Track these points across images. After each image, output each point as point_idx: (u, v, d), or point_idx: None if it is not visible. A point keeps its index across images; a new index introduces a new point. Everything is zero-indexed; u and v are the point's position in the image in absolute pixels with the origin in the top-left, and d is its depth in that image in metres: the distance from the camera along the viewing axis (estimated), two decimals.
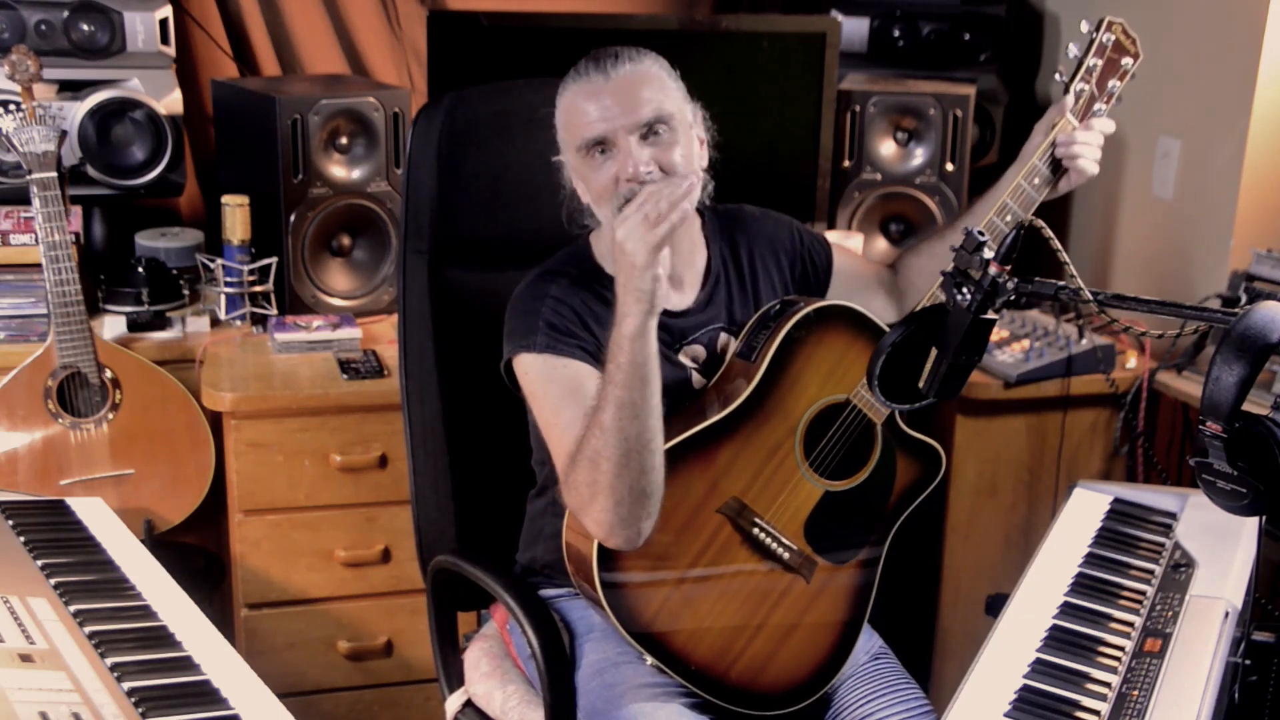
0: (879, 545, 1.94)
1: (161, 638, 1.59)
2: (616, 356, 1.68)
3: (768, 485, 1.84)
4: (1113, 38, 1.83)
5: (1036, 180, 1.87)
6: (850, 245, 2.90)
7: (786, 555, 1.85)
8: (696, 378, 1.92)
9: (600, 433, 1.68)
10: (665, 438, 1.79)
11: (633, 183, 1.77)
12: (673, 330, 1.91)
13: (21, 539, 1.80)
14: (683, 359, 1.92)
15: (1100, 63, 1.83)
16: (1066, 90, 1.85)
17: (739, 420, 1.83)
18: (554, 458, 1.81)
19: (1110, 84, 1.85)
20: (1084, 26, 1.85)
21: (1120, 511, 1.94)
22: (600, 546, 1.76)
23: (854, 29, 3.19)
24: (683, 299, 1.94)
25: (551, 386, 1.80)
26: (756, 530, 1.84)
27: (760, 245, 2.01)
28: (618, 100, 1.78)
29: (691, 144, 1.85)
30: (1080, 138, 1.85)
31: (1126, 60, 1.84)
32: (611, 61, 1.80)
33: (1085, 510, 1.95)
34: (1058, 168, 1.88)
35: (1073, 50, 1.85)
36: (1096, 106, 1.86)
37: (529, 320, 1.83)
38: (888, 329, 1.89)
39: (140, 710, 1.40)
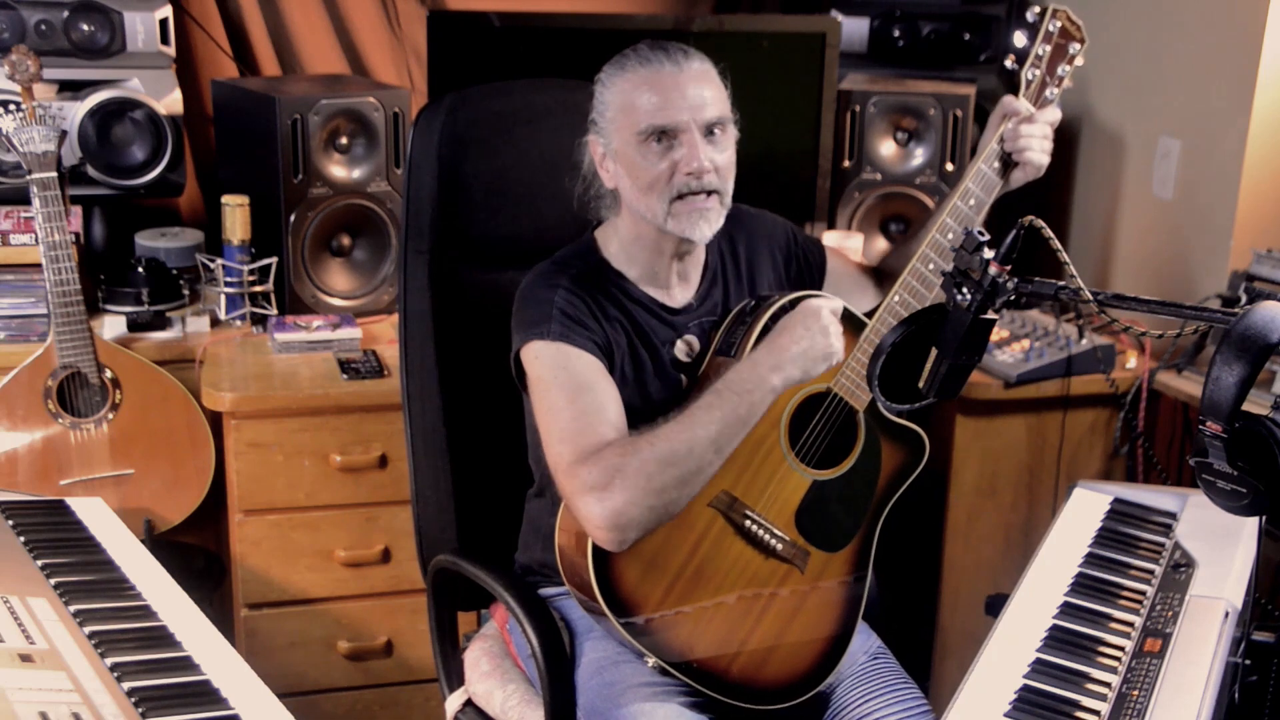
0: (870, 532, 1.95)
1: (161, 638, 1.59)
2: (750, 394, 1.76)
3: (756, 477, 1.85)
4: (1059, 24, 1.86)
5: (996, 164, 1.90)
6: (850, 245, 2.90)
7: (779, 546, 1.86)
8: (684, 380, 1.93)
9: (685, 442, 1.72)
10: None
11: (693, 177, 1.80)
12: (675, 326, 1.92)
13: (21, 539, 1.80)
14: (678, 350, 1.93)
15: (1049, 49, 1.86)
16: (1017, 77, 1.87)
17: None
18: (556, 442, 1.79)
19: (1060, 69, 1.88)
20: (1029, 16, 1.87)
21: (1120, 511, 1.94)
22: (595, 549, 1.76)
23: (854, 29, 3.19)
24: (684, 295, 1.95)
25: (564, 375, 1.80)
26: (748, 522, 1.84)
27: (757, 243, 2.03)
28: (690, 92, 1.80)
29: (733, 152, 1.87)
30: (1025, 130, 1.87)
31: (1074, 45, 1.88)
32: (682, 54, 1.82)
33: (1085, 510, 1.95)
34: (1010, 159, 1.90)
35: (1020, 40, 1.88)
36: (1048, 91, 1.89)
37: (542, 309, 1.84)
38: (863, 318, 1.91)
39: (140, 710, 1.40)
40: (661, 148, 1.81)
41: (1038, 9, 1.87)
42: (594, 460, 1.73)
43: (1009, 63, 1.89)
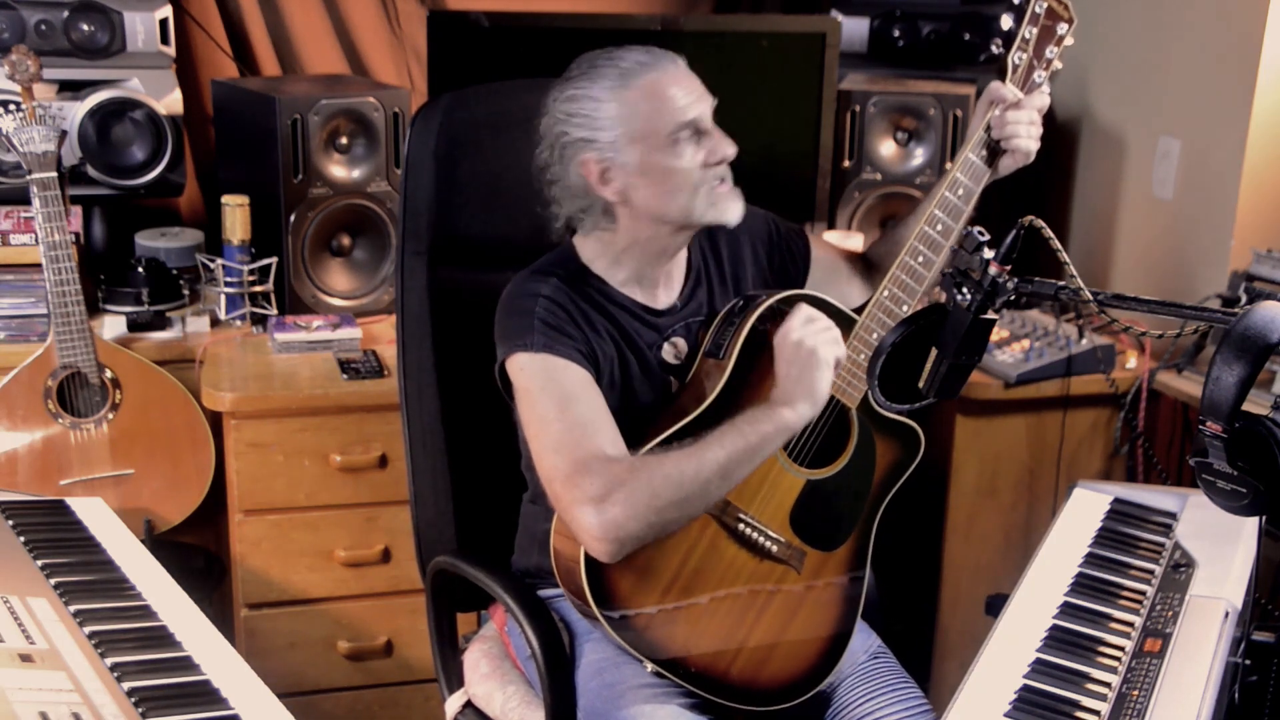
0: (867, 529, 1.95)
1: (161, 638, 1.59)
2: (760, 425, 1.75)
3: (749, 480, 1.83)
4: (1045, 5, 1.82)
5: (984, 152, 1.87)
6: (850, 245, 2.89)
7: (774, 548, 1.85)
8: (674, 382, 1.92)
9: (693, 464, 1.72)
10: (644, 440, 1.80)
11: (723, 164, 1.83)
12: (660, 328, 1.92)
13: (21, 539, 1.80)
14: (665, 353, 1.92)
15: (1036, 31, 1.83)
16: (1004, 62, 1.85)
17: (713, 417, 1.82)
18: (549, 453, 1.77)
19: (1048, 51, 1.84)
20: None
21: (1120, 511, 1.94)
22: (588, 558, 1.75)
23: (854, 29, 3.19)
24: (668, 296, 1.94)
25: (552, 386, 1.80)
26: (742, 525, 1.84)
27: (739, 239, 2.02)
28: (697, 85, 1.83)
29: None
30: (1012, 117, 1.84)
31: (1061, 26, 1.84)
32: (670, 54, 1.84)
33: (1085, 510, 1.95)
34: (998, 147, 1.87)
35: (1007, 23, 1.85)
36: (1036, 75, 1.85)
37: (523, 320, 1.83)
38: (852, 314, 1.90)
39: (140, 710, 1.40)
40: (692, 143, 1.82)
41: None
42: (596, 472, 1.72)
43: (995, 47, 1.87)
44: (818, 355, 1.76)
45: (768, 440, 1.76)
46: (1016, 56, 1.84)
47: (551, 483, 1.76)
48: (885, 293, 1.86)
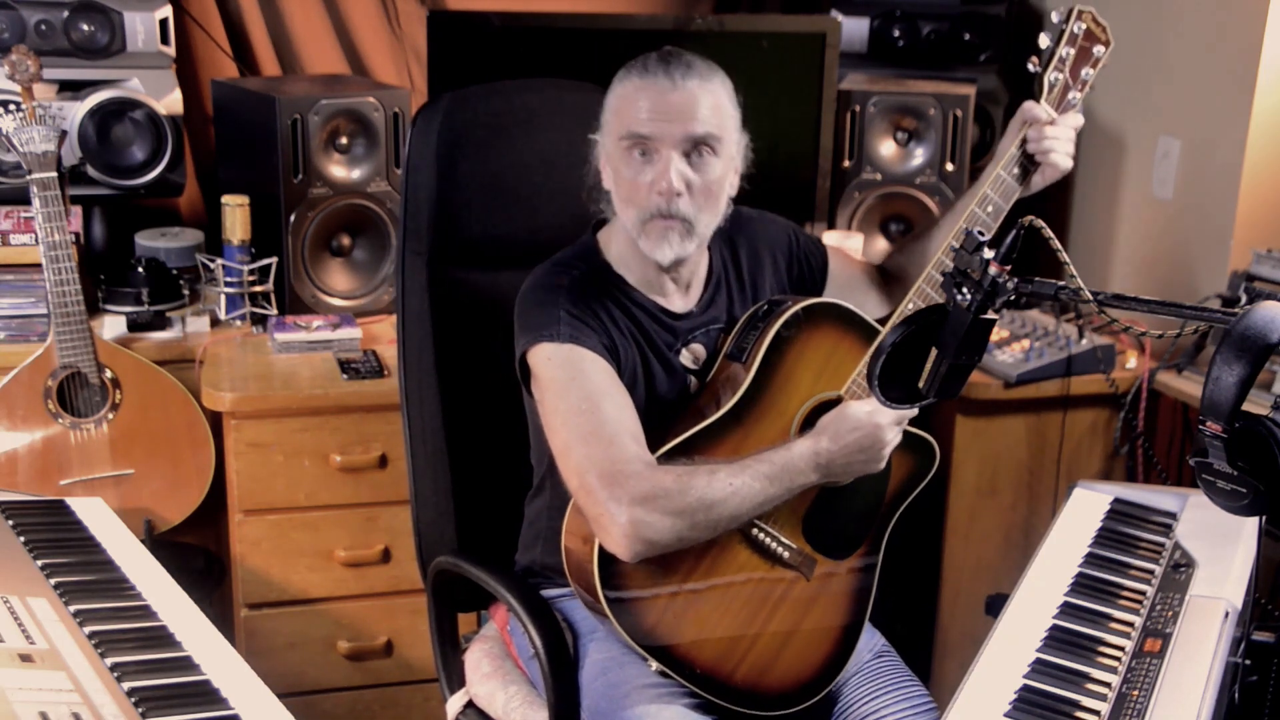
0: (877, 540, 1.95)
1: (161, 638, 1.59)
2: (804, 478, 1.79)
3: None
4: (1084, 26, 1.83)
5: (1016, 170, 1.88)
6: (850, 245, 2.90)
7: (786, 554, 1.85)
8: (693, 382, 1.92)
9: (736, 499, 1.74)
10: (662, 441, 1.80)
11: (662, 197, 1.78)
12: (677, 331, 1.92)
13: (21, 539, 1.80)
14: (684, 358, 1.92)
15: (1072, 52, 1.84)
16: (1040, 81, 1.85)
17: (733, 421, 1.83)
18: (579, 444, 1.75)
19: (1084, 72, 1.85)
20: (1054, 17, 1.85)
21: (1120, 511, 1.94)
22: (601, 553, 1.75)
23: (854, 29, 3.20)
24: (686, 301, 1.94)
25: (580, 377, 1.78)
26: (755, 530, 1.83)
27: (759, 247, 2.02)
28: (676, 109, 1.78)
29: (728, 173, 1.85)
30: (1050, 132, 1.85)
31: (1098, 48, 1.85)
32: (683, 70, 1.80)
33: (1085, 510, 1.95)
34: (1032, 163, 1.88)
35: (1044, 41, 1.85)
36: (1071, 95, 1.86)
37: (548, 310, 1.82)
38: (876, 325, 1.90)
39: (140, 710, 1.40)
40: (640, 161, 1.80)
41: (1064, 9, 1.84)
42: (642, 475, 1.71)
43: (1032, 65, 1.86)
44: (883, 453, 1.82)
45: (793, 492, 1.80)
46: (1052, 76, 1.84)
47: (584, 474, 1.74)
48: (909, 306, 1.85)
